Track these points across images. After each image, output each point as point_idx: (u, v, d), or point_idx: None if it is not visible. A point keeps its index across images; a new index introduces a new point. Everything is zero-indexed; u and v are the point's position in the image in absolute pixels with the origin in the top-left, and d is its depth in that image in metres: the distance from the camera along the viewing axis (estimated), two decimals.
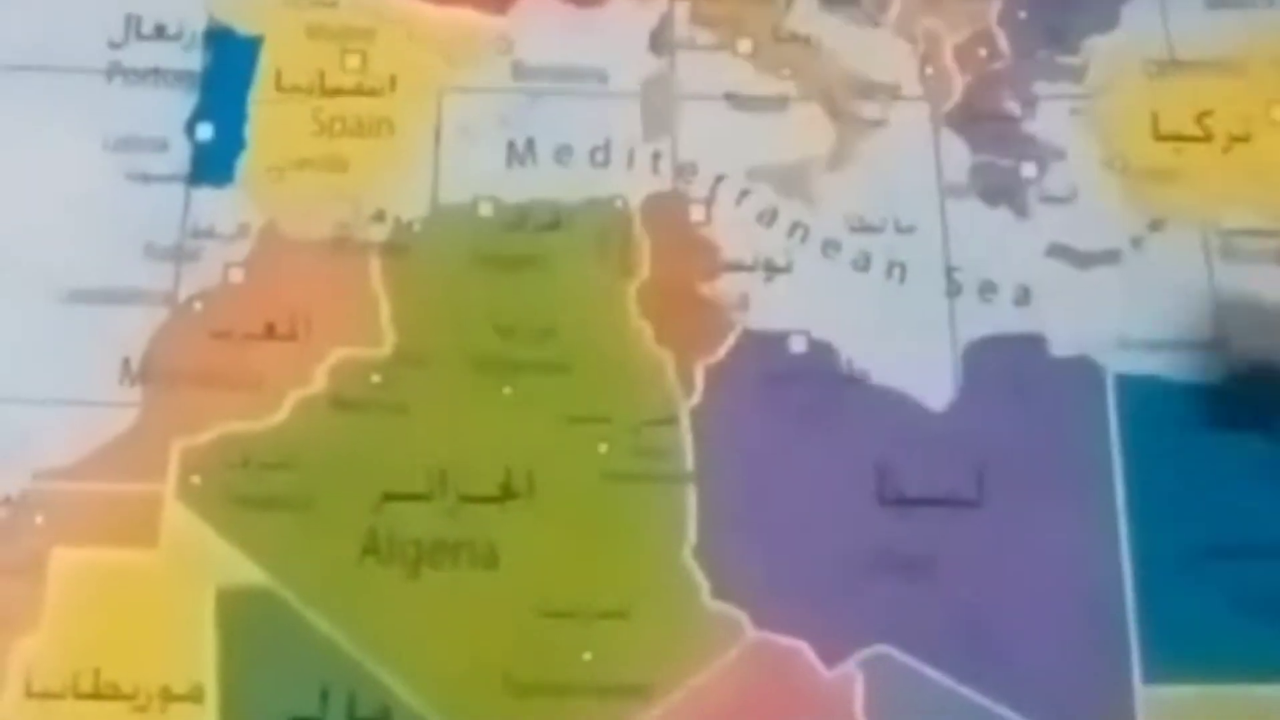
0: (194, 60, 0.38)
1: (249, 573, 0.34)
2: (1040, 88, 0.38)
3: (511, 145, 0.37)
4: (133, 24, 0.38)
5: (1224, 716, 0.33)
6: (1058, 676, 0.34)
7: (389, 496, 0.34)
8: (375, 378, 0.35)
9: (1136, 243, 0.37)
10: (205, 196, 0.36)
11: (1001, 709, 0.33)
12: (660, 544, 0.34)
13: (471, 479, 0.34)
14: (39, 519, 0.34)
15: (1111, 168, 0.38)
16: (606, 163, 0.37)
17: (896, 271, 0.37)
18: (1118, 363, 0.36)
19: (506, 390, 0.35)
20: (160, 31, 0.38)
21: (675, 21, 0.38)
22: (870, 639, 0.34)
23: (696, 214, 0.37)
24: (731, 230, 0.37)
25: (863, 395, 0.36)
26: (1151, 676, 0.34)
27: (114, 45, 0.38)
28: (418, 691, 0.33)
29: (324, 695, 0.33)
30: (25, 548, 0.33)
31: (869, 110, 0.38)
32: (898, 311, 0.36)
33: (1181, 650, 0.34)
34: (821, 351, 0.36)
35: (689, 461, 0.35)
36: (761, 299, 0.36)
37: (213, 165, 0.37)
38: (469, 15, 0.38)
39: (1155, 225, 0.37)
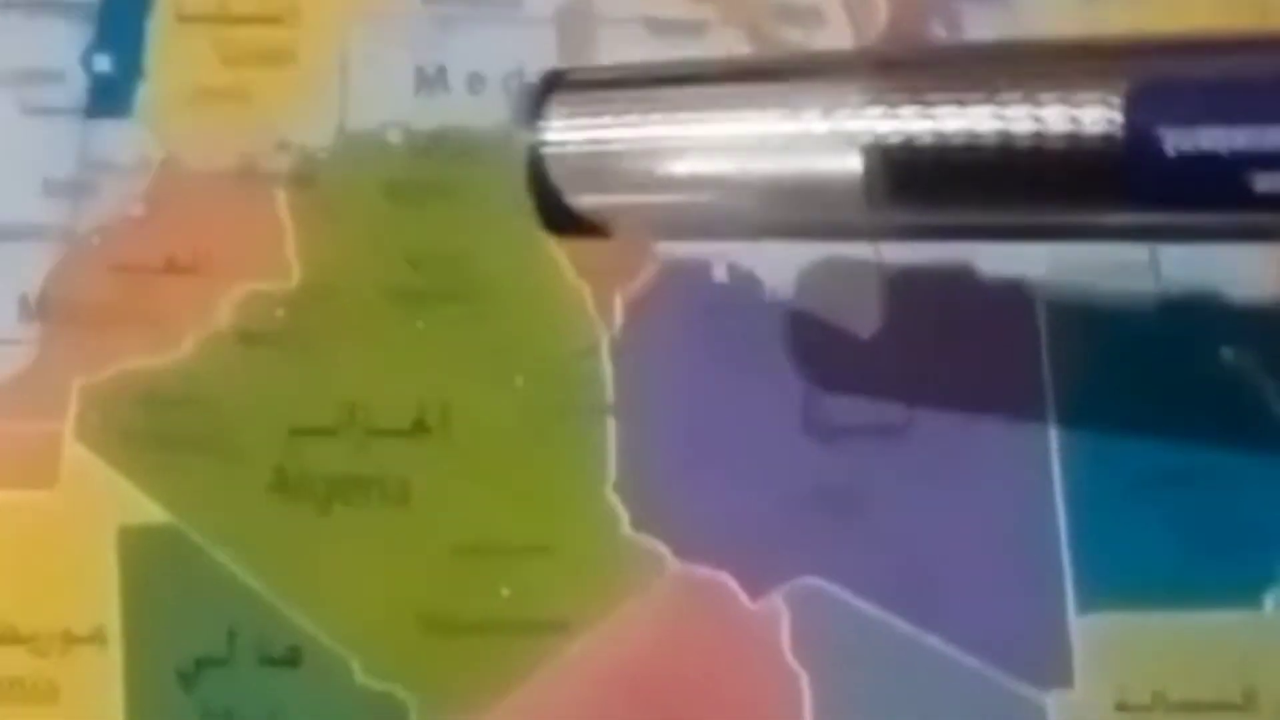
0: None
1: (152, 512, 0.32)
2: (968, 11, 0.37)
3: (421, 72, 0.36)
4: None
5: (1158, 645, 0.33)
6: (989, 606, 0.33)
7: (296, 432, 0.33)
8: (281, 311, 0.34)
9: None
10: (103, 129, 0.35)
11: (932, 639, 0.33)
12: (580, 478, 0.33)
13: (383, 414, 0.33)
14: None
15: None
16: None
17: None
18: (1049, 288, 0.35)
19: (419, 323, 0.34)
20: None
21: None
22: (796, 571, 0.33)
23: None
24: None
25: (788, 324, 0.35)
26: (1085, 606, 0.33)
27: None
28: (329, 631, 0.32)
29: (231, 636, 0.32)
30: None
31: (791, 36, 0.37)
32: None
33: (1116, 579, 0.33)
34: (745, 280, 0.35)
35: (609, 393, 0.34)
36: None
37: (111, 97, 0.35)
38: None
39: None
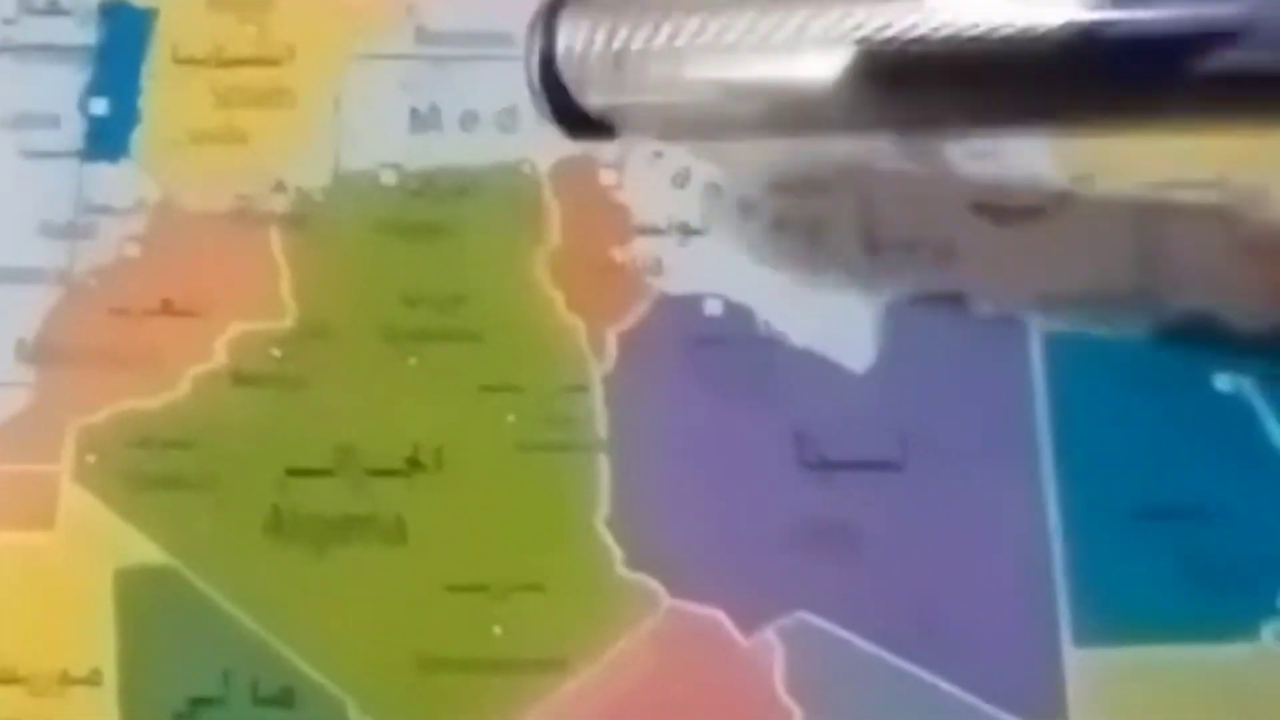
0: (88, 34, 0.37)
1: (148, 553, 0.33)
2: None
3: (415, 112, 0.36)
4: None
5: (1154, 679, 0.33)
6: (984, 641, 0.33)
7: (292, 472, 0.33)
8: (276, 351, 0.34)
9: (1062, 197, 0.36)
10: (100, 172, 0.36)
11: (926, 674, 0.32)
12: (573, 514, 0.33)
13: (377, 453, 0.34)
14: None
15: None
16: (514, 127, 0.36)
17: (815, 231, 0.36)
18: (1043, 320, 0.35)
19: (412, 361, 0.34)
20: (53, 6, 0.37)
21: None
22: (790, 607, 0.33)
23: (607, 178, 0.36)
24: (644, 193, 0.36)
25: (781, 358, 0.35)
26: (1081, 640, 0.33)
27: (6, 21, 0.37)
28: (323, 671, 0.32)
29: (226, 676, 0.32)
30: None
31: None
32: (817, 272, 0.35)
33: (1112, 613, 0.33)
34: (738, 314, 0.35)
35: (602, 429, 0.34)
36: (676, 262, 0.35)
37: (107, 140, 0.36)
38: None
39: (1081, 179, 0.36)
